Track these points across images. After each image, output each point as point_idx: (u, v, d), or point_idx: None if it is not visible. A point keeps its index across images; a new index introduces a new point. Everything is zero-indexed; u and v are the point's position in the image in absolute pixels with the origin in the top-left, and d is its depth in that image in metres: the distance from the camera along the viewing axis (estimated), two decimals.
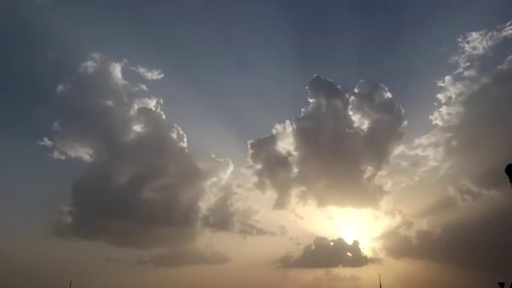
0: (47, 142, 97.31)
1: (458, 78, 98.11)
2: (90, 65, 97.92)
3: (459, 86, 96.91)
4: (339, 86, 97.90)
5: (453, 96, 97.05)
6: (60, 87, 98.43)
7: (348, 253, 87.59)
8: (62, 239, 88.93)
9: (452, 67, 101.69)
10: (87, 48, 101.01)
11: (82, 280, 74.50)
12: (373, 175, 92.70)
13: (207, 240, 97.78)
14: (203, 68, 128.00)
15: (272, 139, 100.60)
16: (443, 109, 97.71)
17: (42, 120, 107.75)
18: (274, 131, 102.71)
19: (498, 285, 40.84)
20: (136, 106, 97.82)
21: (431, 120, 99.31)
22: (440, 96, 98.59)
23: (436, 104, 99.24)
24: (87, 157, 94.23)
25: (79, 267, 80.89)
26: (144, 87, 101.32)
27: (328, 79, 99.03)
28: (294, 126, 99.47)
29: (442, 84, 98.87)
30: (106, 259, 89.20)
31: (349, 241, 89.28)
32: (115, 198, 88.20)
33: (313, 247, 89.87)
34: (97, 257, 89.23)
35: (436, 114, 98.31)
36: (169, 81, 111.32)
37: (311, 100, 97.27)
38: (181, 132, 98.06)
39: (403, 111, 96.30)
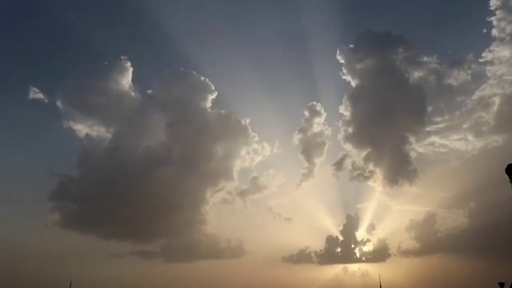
0: None
1: None
2: None
3: None
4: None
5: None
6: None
7: (368, 247, 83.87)
8: (58, 230, 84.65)
9: None
10: None
11: (83, 277, 73.21)
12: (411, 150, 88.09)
13: (221, 231, 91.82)
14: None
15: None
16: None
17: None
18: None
19: (498, 285, 41.90)
20: None
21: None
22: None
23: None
24: (91, 133, 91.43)
25: (80, 261, 79.67)
26: None
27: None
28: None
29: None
30: (107, 253, 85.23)
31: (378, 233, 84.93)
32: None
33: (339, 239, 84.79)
34: (99, 252, 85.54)
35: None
36: None
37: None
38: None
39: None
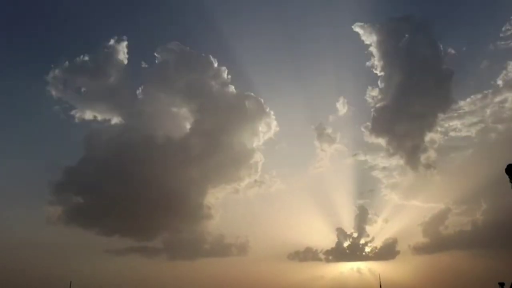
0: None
1: None
2: None
3: None
4: None
5: None
6: None
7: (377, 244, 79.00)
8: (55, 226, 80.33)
9: None
10: None
11: (83, 275, 71.35)
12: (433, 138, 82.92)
13: (227, 227, 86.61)
14: None
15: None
16: None
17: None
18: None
19: (498, 285, 37.93)
20: None
21: None
22: None
23: None
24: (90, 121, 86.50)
25: (80, 259, 76.98)
26: None
27: None
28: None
29: None
30: (108, 250, 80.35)
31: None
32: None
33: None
34: (99, 248, 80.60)
35: None
36: None
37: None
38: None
39: None
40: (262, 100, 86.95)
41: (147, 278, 79.80)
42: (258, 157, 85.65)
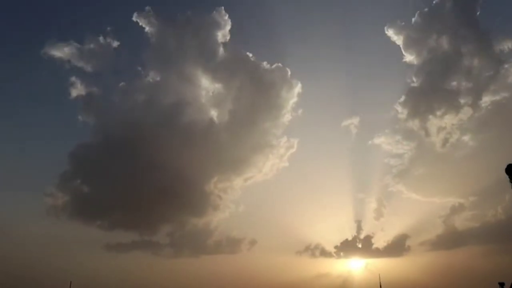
0: None
1: None
2: None
3: None
4: None
5: None
6: None
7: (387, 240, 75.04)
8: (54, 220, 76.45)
9: None
10: None
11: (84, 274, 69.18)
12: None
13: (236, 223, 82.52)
14: None
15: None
16: None
17: None
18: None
19: (498, 285, 34.32)
20: None
21: None
22: None
23: None
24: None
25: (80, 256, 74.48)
26: None
27: None
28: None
29: None
30: (107, 247, 76.88)
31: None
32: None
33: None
34: (97, 245, 77.37)
35: None
36: None
37: None
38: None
39: None
40: (289, 72, 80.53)
41: (150, 276, 77.42)
42: (273, 147, 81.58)
